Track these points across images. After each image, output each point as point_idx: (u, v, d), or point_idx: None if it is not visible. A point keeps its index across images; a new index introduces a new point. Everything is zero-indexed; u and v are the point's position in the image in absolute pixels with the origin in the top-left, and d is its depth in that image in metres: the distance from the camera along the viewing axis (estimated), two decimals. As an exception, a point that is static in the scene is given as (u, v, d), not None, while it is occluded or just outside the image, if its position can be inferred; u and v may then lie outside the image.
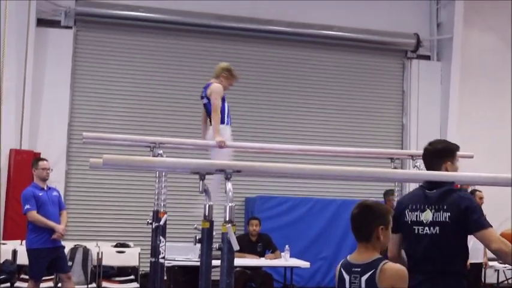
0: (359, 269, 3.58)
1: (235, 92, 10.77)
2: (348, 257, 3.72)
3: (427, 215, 4.19)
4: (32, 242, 8.04)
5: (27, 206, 8.00)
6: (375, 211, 3.66)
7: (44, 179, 8.27)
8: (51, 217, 8.05)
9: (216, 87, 6.69)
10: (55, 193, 8.39)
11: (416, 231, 4.22)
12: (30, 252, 8.10)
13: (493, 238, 4.11)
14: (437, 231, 4.14)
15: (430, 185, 4.28)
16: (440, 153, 4.44)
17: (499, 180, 4.40)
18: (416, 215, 4.24)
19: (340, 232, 12.21)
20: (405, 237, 4.33)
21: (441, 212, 4.15)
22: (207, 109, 6.77)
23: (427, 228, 4.17)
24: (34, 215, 7.97)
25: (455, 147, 4.54)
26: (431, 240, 4.16)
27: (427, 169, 4.44)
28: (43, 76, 12.08)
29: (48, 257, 8.04)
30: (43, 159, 8.58)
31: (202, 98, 6.84)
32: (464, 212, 4.11)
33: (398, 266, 3.60)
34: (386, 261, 3.59)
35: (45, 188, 8.24)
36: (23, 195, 8.14)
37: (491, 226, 4.13)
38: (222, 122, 6.63)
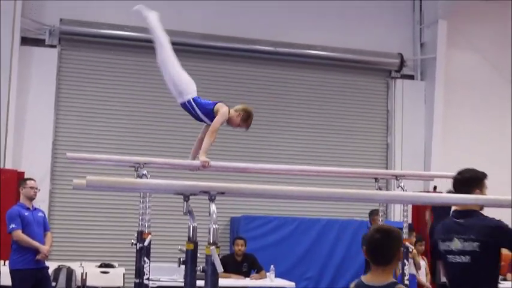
0: None
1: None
2: (363, 278, 3.82)
3: (456, 244, 4.38)
4: (16, 262, 7.98)
5: (12, 225, 7.95)
6: (395, 236, 3.77)
7: (32, 198, 8.23)
8: (36, 237, 8.01)
9: (225, 110, 6.27)
10: (40, 214, 8.36)
11: (449, 260, 4.44)
12: (13, 272, 8.03)
13: None
14: (469, 260, 4.33)
15: (458, 214, 4.47)
16: (468, 182, 4.62)
17: (486, 202, 4.45)
18: (447, 245, 4.45)
19: (326, 252, 12.27)
20: (442, 265, 4.61)
21: (470, 242, 4.33)
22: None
23: (457, 256, 4.38)
24: (19, 234, 7.93)
25: (483, 176, 4.69)
26: (463, 267, 4.35)
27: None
28: (27, 94, 12.05)
29: (32, 278, 7.97)
30: (31, 179, 8.54)
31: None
32: (494, 238, 4.29)
33: None
34: (401, 285, 3.67)
35: (31, 208, 8.21)
36: (8, 214, 8.08)
37: None
38: None
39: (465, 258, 4.33)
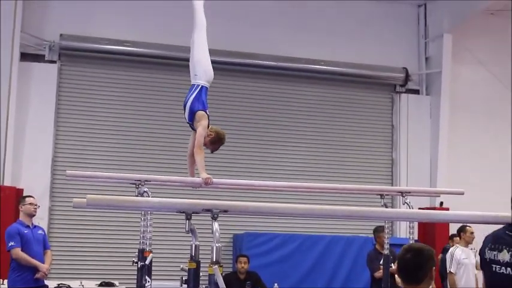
0: None
1: (223, 127, 10.77)
2: None
3: (504, 255, 4.41)
4: (15, 281, 7.93)
5: (11, 243, 7.91)
6: (426, 254, 3.73)
7: (32, 215, 8.19)
8: (35, 256, 7.96)
9: (205, 124, 6.30)
10: (40, 231, 8.31)
11: (493, 269, 4.46)
12: (12, 291, 8.02)
13: None
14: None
15: (511, 226, 4.47)
16: None
17: (487, 219, 4.56)
18: (494, 254, 4.48)
19: (330, 269, 12.22)
20: (485, 273, 4.62)
21: None
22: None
23: (503, 268, 4.40)
24: (18, 252, 7.88)
25: None
26: (505, 280, 4.38)
27: None
28: (27, 111, 12.06)
29: (31, 297, 7.96)
30: (30, 196, 8.51)
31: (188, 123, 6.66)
32: None
33: None
34: None
35: (31, 226, 8.17)
36: (8, 232, 8.03)
37: None
38: None
39: (510, 271, 4.37)
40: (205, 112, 6.35)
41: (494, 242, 4.53)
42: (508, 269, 4.37)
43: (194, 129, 6.35)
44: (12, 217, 10.32)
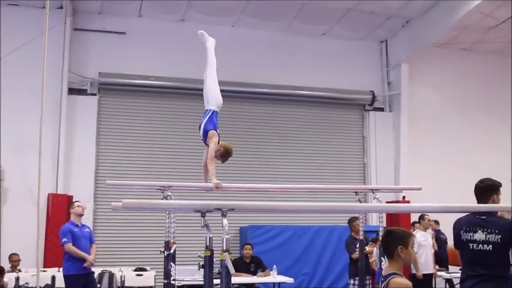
0: (383, 279, 3.65)
1: (230, 141, 10.78)
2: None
3: (480, 235, 4.46)
4: (68, 269, 7.92)
5: (64, 239, 7.89)
6: (395, 235, 3.69)
7: (80, 215, 8.14)
8: (83, 249, 7.94)
9: (216, 141, 6.18)
10: (87, 229, 8.29)
11: (471, 247, 4.50)
12: (66, 277, 7.97)
13: None
14: (490, 249, 4.41)
15: (479, 212, 4.53)
16: (489, 189, 4.63)
17: (438, 209, 4.65)
18: (470, 235, 4.52)
19: (317, 253, 12.21)
20: (462, 251, 4.62)
21: (493, 235, 4.41)
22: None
23: (480, 245, 4.45)
24: (70, 247, 7.87)
25: (499, 184, 4.71)
26: (484, 255, 4.43)
27: (477, 200, 4.63)
28: (73, 133, 12.08)
29: (81, 281, 7.91)
30: (77, 201, 8.51)
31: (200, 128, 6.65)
32: None
33: (403, 281, 3.58)
34: (395, 276, 3.58)
35: (80, 225, 8.14)
36: (62, 230, 8.01)
37: None
38: None
39: (487, 247, 4.42)
40: (216, 131, 6.32)
41: (467, 225, 4.56)
42: (485, 245, 4.43)
43: (207, 145, 6.33)
44: (64, 218, 10.32)
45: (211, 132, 6.25)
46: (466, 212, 4.57)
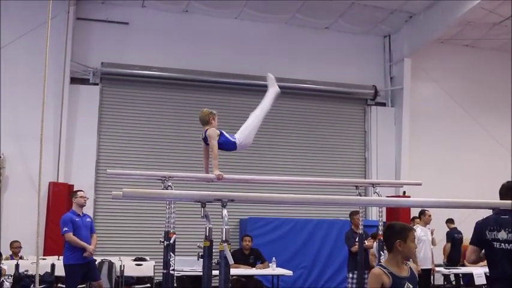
0: None
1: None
2: None
3: (503, 235, 4.62)
4: (68, 258, 7.89)
5: (65, 229, 7.84)
6: (394, 229, 3.71)
7: (82, 205, 8.09)
8: (83, 239, 7.89)
9: (210, 132, 6.23)
10: (88, 219, 8.23)
11: (494, 246, 4.66)
12: (66, 267, 7.94)
13: None
14: None
15: (502, 211, 4.66)
16: None
17: (439, 204, 4.59)
18: (494, 234, 4.68)
19: (317, 246, 12.20)
20: (486, 250, 4.77)
21: None
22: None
23: (503, 244, 4.61)
24: (70, 236, 7.83)
25: None
26: (507, 253, 4.59)
27: (500, 198, 4.83)
28: (75, 123, 12.09)
29: (81, 270, 7.89)
30: (81, 190, 8.46)
31: (203, 139, 6.67)
32: None
33: (373, 270, 3.66)
34: (377, 267, 3.67)
35: (81, 215, 8.09)
36: (63, 219, 7.95)
37: None
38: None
39: (509, 246, 4.57)
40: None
41: (492, 224, 4.71)
42: (506, 244, 4.59)
43: (206, 144, 6.29)
44: (64, 206, 10.35)
45: (211, 131, 6.22)
46: (466, 208, 4.55)
